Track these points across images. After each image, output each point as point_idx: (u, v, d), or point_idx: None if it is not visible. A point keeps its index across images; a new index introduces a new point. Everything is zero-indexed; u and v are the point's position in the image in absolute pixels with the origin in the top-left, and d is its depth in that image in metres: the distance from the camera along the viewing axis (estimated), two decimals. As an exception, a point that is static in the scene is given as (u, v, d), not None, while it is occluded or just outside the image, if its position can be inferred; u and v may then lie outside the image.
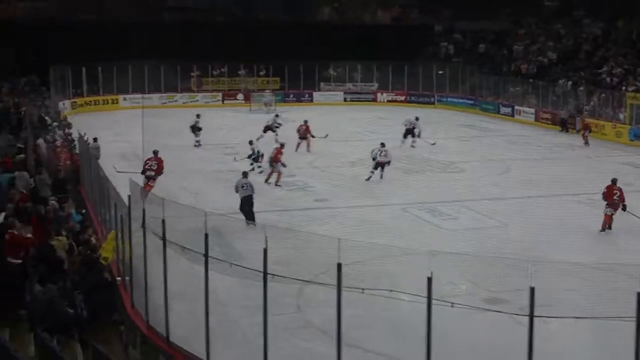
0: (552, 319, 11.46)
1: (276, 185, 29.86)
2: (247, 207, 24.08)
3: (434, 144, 39.07)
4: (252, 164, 31.73)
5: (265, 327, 12.36)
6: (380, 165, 31.32)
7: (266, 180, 29.99)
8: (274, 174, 30.22)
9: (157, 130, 32.34)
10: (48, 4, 63.65)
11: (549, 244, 20.91)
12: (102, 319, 14.66)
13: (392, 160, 31.49)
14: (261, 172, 31.08)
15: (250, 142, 33.11)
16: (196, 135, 38.98)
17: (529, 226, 23.44)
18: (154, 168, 27.68)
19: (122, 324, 15.06)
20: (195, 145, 38.67)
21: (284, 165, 30.33)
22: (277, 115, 41.13)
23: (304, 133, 38.58)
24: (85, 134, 29.57)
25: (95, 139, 32.06)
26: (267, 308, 12.33)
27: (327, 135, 38.57)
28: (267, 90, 57.76)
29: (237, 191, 24.62)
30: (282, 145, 31.25)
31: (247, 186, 24.58)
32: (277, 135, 38.40)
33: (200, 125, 39.74)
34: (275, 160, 30.18)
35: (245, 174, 25.58)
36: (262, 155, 32.28)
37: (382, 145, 31.92)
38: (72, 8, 64.06)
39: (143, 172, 27.26)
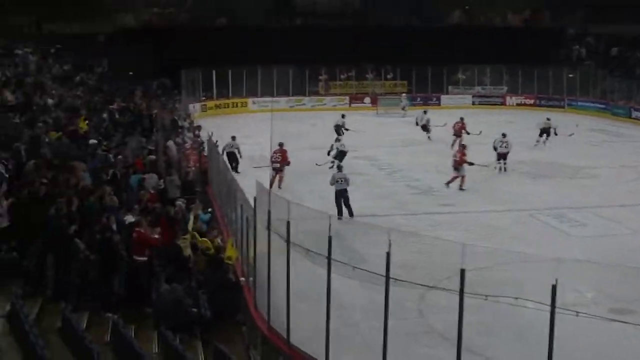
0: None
1: (460, 189, 29.42)
2: (341, 199, 24.78)
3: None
4: (332, 162, 31.47)
5: (386, 331, 12.24)
6: (501, 156, 31.33)
7: (447, 183, 29.71)
8: (458, 178, 29.69)
9: (284, 132, 32.62)
10: (182, 9, 65.08)
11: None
12: (225, 319, 14.88)
13: (521, 165, 31.01)
14: (331, 167, 30.64)
15: (337, 139, 33.87)
16: (338, 134, 38.86)
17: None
18: (278, 160, 29.46)
19: (245, 325, 15.20)
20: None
21: (471, 164, 29.78)
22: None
23: (459, 130, 38.64)
24: (212, 134, 30.00)
25: (233, 137, 33.16)
26: (388, 312, 12.22)
27: (480, 132, 38.19)
28: (403, 94, 57.45)
29: (332, 184, 25.21)
30: (464, 147, 30.81)
31: (342, 180, 25.21)
32: (429, 134, 40.40)
33: (346, 126, 40.40)
34: (459, 163, 29.68)
35: (340, 168, 26.70)
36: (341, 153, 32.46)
37: (504, 135, 31.76)
38: (204, 13, 65.47)
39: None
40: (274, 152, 29.24)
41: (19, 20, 53.27)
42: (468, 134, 38.09)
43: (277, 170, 29.18)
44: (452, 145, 36.71)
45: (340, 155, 32.32)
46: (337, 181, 25.16)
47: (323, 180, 27.30)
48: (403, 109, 53.93)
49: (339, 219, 22.58)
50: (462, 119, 39.45)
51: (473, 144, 33.12)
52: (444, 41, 59.47)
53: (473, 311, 11.86)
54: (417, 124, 42.77)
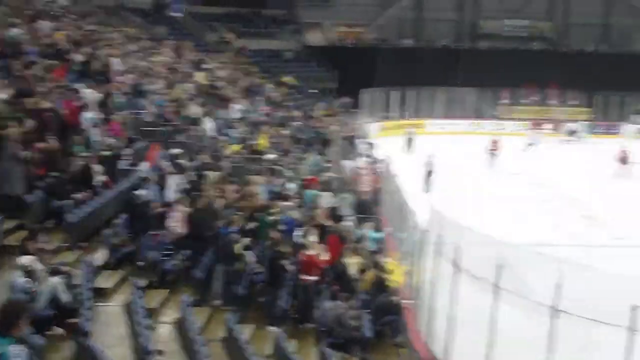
0: None
1: None
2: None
3: None
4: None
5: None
6: None
7: None
8: None
9: (460, 155, 32.57)
10: (369, 29, 65.70)
11: None
12: (385, 340, 14.91)
13: None
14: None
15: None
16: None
17: None
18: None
19: (404, 347, 15.18)
20: None
21: None
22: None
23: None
24: (389, 157, 30.15)
25: (431, 155, 35.01)
26: (552, 346, 11.96)
27: None
28: (574, 123, 56.14)
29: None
30: None
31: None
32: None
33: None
34: None
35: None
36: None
37: None
38: (390, 34, 65.97)
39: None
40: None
41: (210, 36, 55.22)
42: None
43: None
44: None
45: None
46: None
47: (495, 205, 26.88)
48: (570, 134, 52.72)
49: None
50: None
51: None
52: (633, 68, 57.58)
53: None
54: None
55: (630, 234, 26.94)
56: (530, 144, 48.38)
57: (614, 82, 55.35)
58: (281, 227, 17.77)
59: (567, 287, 11.96)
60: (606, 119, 58.22)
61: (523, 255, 17.91)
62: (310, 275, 15.59)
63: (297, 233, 17.66)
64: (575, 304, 12.23)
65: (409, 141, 47.12)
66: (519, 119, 58.57)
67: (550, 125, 56.95)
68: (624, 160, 39.64)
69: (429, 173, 34.45)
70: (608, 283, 15.28)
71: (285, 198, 20.87)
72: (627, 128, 57.30)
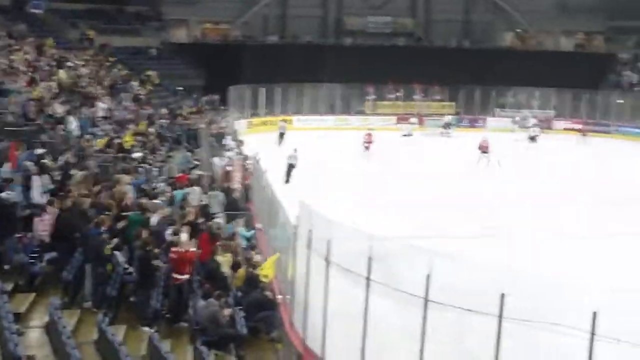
0: None
1: None
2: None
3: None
4: None
5: (422, 355, 12.15)
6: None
7: None
8: None
9: (328, 150, 32.93)
10: (234, 26, 65.53)
11: None
12: (260, 336, 14.87)
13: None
14: None
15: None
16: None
17: None
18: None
19: (280, 343, 15.16)
20: None
21: None
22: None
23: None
24: (258, 153, 30.10)
25: (295, 150, 35.42)
26: (425, 335, 12.13)
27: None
28: (448, 115, 57.33)
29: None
30: None
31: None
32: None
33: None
34: None
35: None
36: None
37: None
38: (255, 31, 65.99)
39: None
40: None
41: (72, 33, 53.94)
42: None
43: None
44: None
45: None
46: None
47: (365, 200, 27.17)
48: (444, 127, 53.99)
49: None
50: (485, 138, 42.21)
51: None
52: (493, 64, 59.28)
53: (510, 336, 11.71)
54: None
55: (499, 224, 27.64)
56: (406, 135, 49.78)
57: (477, 77, 56.81)
58: (151, 226, 17.53)
59: (438, 278, 12.13)
60: (470, 113, 59.59)
61: (394, 248, 18.13)
62: (182, 273, 15.38)
63: (168, 232, 17.44)
64: (446, 294, 12.42)
65: (281, 135, 47.39)
66: (385, 114, 59.45)
67: (415, 120, 57.97)
68: (484, 149, 41.45)
69: (291, 166, 34.76)
70: (478, 273, 15.58)
71: (155, 196, 20.63)
72: (491, 122, 59.00)
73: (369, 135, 44.15)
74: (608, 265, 22.51)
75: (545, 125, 57.45)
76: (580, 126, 58.08)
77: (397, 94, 61.10)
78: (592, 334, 10.38)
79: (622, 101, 57.80)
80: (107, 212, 17.01)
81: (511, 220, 28.50)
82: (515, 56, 63.63)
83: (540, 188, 34.53)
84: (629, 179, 37.10)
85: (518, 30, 70.35)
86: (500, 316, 11.26)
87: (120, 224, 17.03)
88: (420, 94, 61.10)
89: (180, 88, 52.42)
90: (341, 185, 32.03)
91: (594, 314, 10.27)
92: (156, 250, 15.95)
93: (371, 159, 42.13)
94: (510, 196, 32.94)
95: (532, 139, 50.06)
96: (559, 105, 60.38)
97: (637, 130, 56.33)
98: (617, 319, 11.04)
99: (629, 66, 65.52)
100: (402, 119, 58.63)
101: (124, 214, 17.71)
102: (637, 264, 22.70)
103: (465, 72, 57.80)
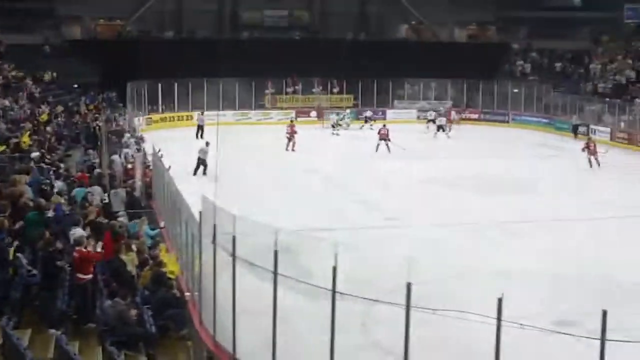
0: (625, 343, 11.06)
1: None
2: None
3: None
4: None
5: (332, 346, 12.20)
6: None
7: None
8: None
9: (230, 145, 32.77)
10: (128, 22, 64.82)
11: (626, 266, 20.41)
12: (170, 334, 14.73)
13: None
14: None
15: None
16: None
17: (604, 248, 22.93)
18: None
19: (190, 340, 15.05)
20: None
21: None
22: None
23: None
24: (159, 150, 29.80)
25: (207, 143, 35.08)
26: (335, 327, 12.18)
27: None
28: (347, 110, 57.65)
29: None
30: None
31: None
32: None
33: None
34: None
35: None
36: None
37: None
38: (151, 26, 65.40)
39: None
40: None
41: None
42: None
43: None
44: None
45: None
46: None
47: (272, 194, 27.16)
48: (338, 121, 54.32)
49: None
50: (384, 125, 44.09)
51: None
52: (390, 55, 59.83)
53: (419, 326, 11.84)
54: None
55: (400, 216, 27.93)
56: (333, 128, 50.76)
57: (374, 69, 57.25)
58: (52, 226, 17.20)
59: (344, 269, 12.17)
60: (369, 105, 60.02)
61: (300, 241, 18.16)
62: (86, 273, 15.12)
63: (71, 231, 17.14)
64: (352, 285, 12.49)
65: (200, 128, 47.55)
66: (284, 108, 59.47)
67: (314, 114, 58.23)
68: (383, 136, 42.66)
69: (201, 160, 34.70)
70: (382, 263, 15.75)
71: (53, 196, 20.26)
72: (390, 113, 59.58)
73: (292, 127, 44.49)
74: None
75: (444, 115, 58.34)
76: (476, 115, 59.42)
77: (296, 87, 61.21)
78: (499, 319, 10.54)
79: (516, 90, 59.01)
80: (4, 214, 16.66)
81: (412, 208, 28.90)
82: (411, 48, 64.55)
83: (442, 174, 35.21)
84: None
85: (413, 22, 71.31)
86: (408, 306, 11.34)
87: (18, 225, 16.69)
88: (319, 87, 61.32)
89: (76, 86, 51.57)
90: (246, 180, 32.01)
91: (500, 300, 10.42)
92: (59, 251, 15.64)
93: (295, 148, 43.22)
94: (412, 183, 33.52)
95: (440, 128, 51.03)
96: (455, 96, 61.28)
97: (532, 119, 57.71)
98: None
99: (521, 56, 67.08)
100: (302, 112, 58.66)
101: (22, 214, 17.34)
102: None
103: (362, 65, 58.20)
